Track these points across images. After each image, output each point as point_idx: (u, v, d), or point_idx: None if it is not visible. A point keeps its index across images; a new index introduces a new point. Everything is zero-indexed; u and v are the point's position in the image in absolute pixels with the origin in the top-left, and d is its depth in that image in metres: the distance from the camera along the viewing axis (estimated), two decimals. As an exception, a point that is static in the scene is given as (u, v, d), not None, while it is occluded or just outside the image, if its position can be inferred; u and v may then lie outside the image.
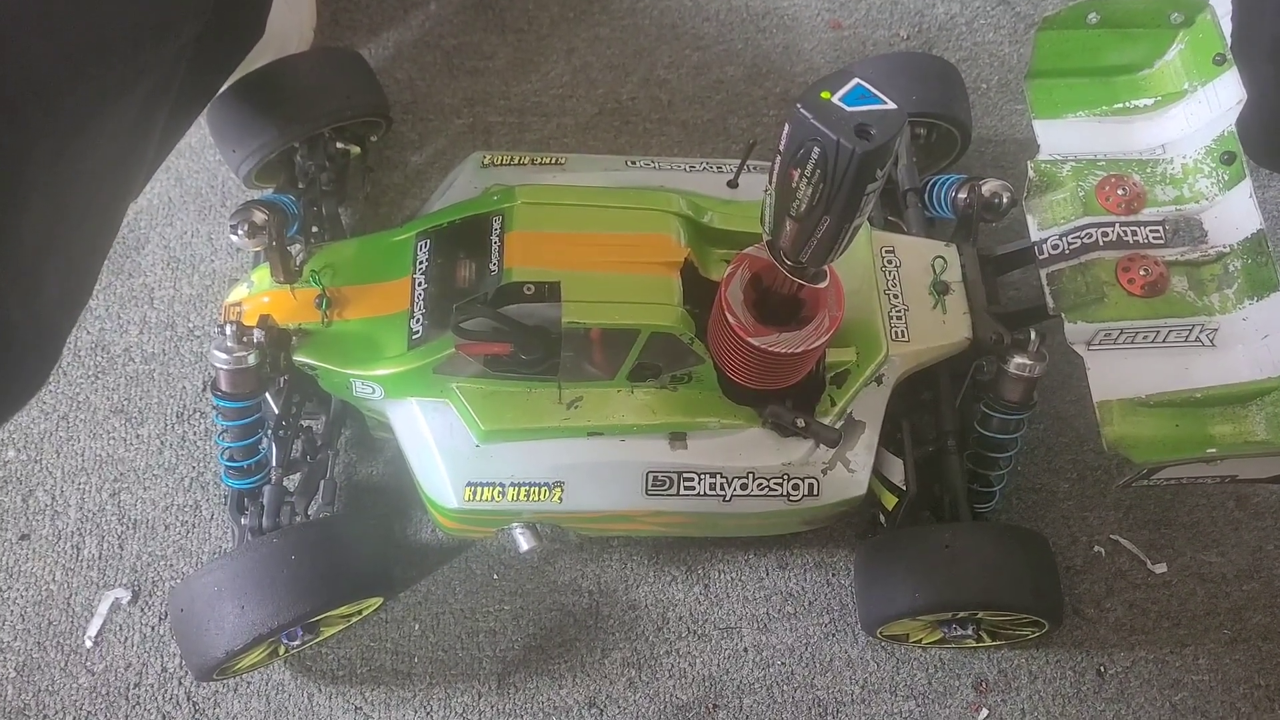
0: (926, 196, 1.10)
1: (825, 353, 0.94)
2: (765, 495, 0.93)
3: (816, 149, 0.62)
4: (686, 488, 0.93)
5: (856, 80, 0.63)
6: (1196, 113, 0.96)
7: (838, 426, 0.93)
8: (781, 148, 0.65)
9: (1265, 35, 1.12)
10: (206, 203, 1.24)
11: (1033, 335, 0.96)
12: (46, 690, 1.02)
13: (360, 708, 1.02)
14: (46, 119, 0.67)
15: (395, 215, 1.25)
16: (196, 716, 1.01)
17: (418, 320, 0.92)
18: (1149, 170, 0.97)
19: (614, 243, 0.91)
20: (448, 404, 0.93)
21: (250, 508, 0.97)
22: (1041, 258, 0.96)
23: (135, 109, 0.78)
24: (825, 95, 0.63)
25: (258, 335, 0.92)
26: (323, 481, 1.01)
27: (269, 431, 0.98)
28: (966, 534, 0.97)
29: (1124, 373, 0.91)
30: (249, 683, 1.03)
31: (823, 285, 0.80)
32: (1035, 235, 0.97)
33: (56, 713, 1.01)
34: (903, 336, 0.97)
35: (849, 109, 0.62)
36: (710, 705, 1.04)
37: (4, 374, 0.71)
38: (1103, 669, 1.08)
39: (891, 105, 0.63)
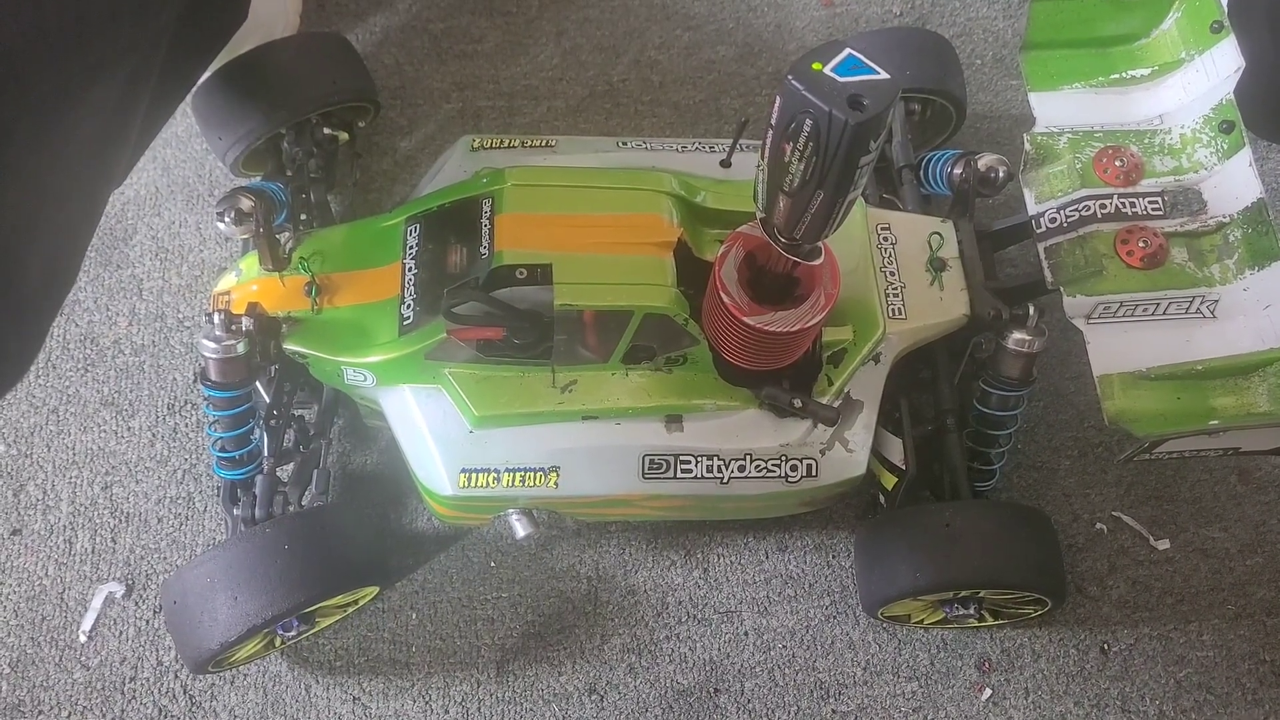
0: (922, 173, 1.09)
1: (822, 332, 0.93)
2: (763, 477, 0.93)
3: (809, 121, 0.61)
4: (683, 471, 0.92)
5: (849, 51, 0.62)
6: (1194, 82, 0.95)
7: (835, 406, 0.93)
8: (773, 121, 0.64)
9: (1263, 2, 1.11)
10: (194, 192, 1.23)
11: (1031, 310, 0.95)
12: (41, 686, 1.01)
13: (358, 698, 1.02)
14: (24, 98, 0.66)
15: (385, 201, 1.24)
16: (193, 710, 1.00)
17: (408, 306, 0.91)
18: (1147, 141, 0.96)
19: (606, 224, 0.90)
20: (440, 390, 0.92)
21: (243, 498, 0.96)
22: (1039, 231, 0.95)
23: (116, 90, 0.77)
24: (817, 67, 0.61)
25: (246, 323, 0.91)
26: (316, 471, 1.00)
27: (260, 421, 0.97)
28: (967, 512, 0.96)
29: (1124, 346, 0.90)
30: (245, 675, 1.02)
31: (818, 263, 0.79)
32: (1033, 209, 0.96)
33: (52, 708, 1.00)
34: (900, 314, 0.96)
35: (841, 80, 0.61)
36: (712, 689, 1.04)
37: None
38: (1106, 646, 1.07)
39: (884, 75, 0.61)
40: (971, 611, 0.99)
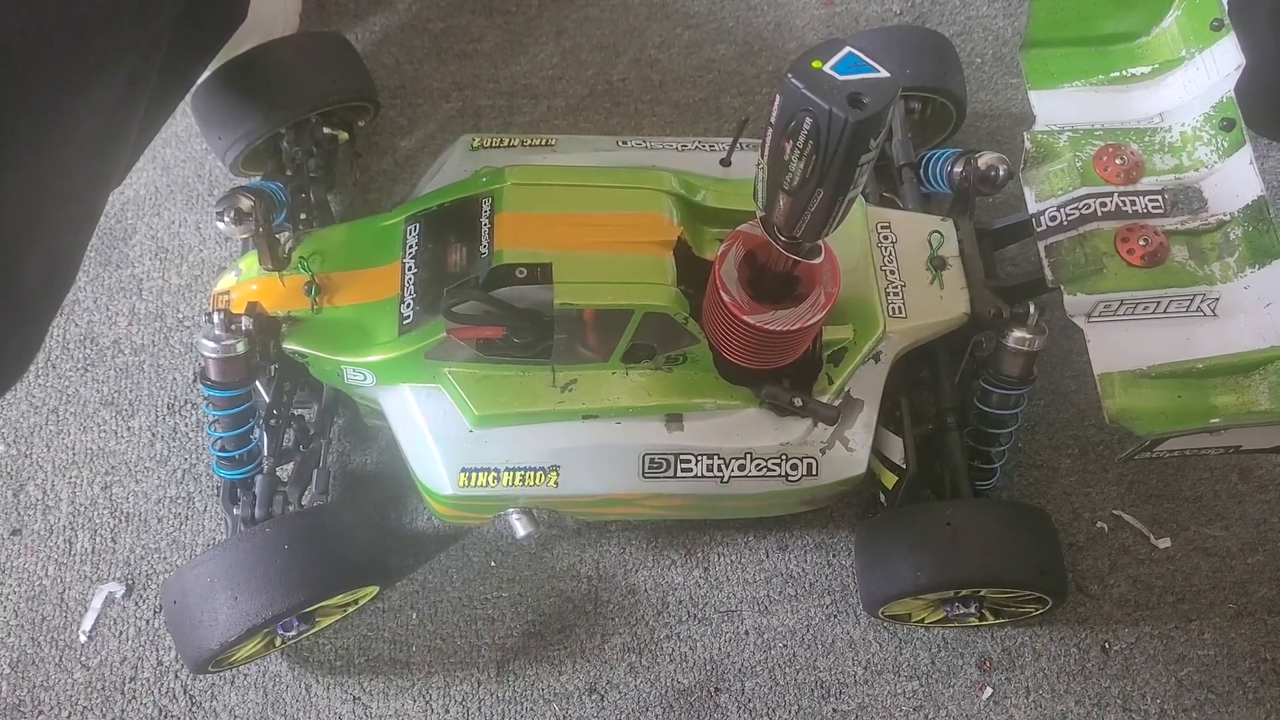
0: (922, 171, 1.09)
1: (822, 330, 0.93)
2: (763, 476, 0.92)
3: (808, 120, 0.61)
4: (684, 470, 0.92)
5: (848, 49, 0.62)
6: (1195, 80, 0.95)
7: (836, 405, 0.92)
8: (773, 120, 0.64)
9: (1265, 1, 1.10)
10: (194, 192, 1.23)
11: (1032, 309, 0.95)
12: (41, 686, 1.01)
13: (359, 698, 1.02)
14: (23, 97, 0.66)
15: (385, 201, 1.24)
16: (193, 710, 1.00)
17: (408, 305, 0.91)
18: (1147, 139, 0.96)
19: (606, 223, 0.90)
20: (440, 389, 0.92)
21: (243, 498, 0.96)
22: (1039, 230, 0.95)
23: (116, 90, 0.77)
24: (816, 65, 0.61)
25: (246, 323, 0.91)
26: (316, 470, 1.00)
27: (260, 421, 0.97)
28: (968, 511, 0.96)
29: (1125, 344, 0.90)
30: (246, 675, 1.02)
31: (818, 261, 0.79)
32: (1033, 207, 0.96)
33: (52, 708, 1.00)
34: (900, 313, 0.96)
35: (841, 78, 0.61)
36: (712, 689, 1.03)
37: None
38: (1107, 645, 1.07)
39: (884, 74, 0.61)
40: (972, 610, 0.98)
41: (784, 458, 0.92)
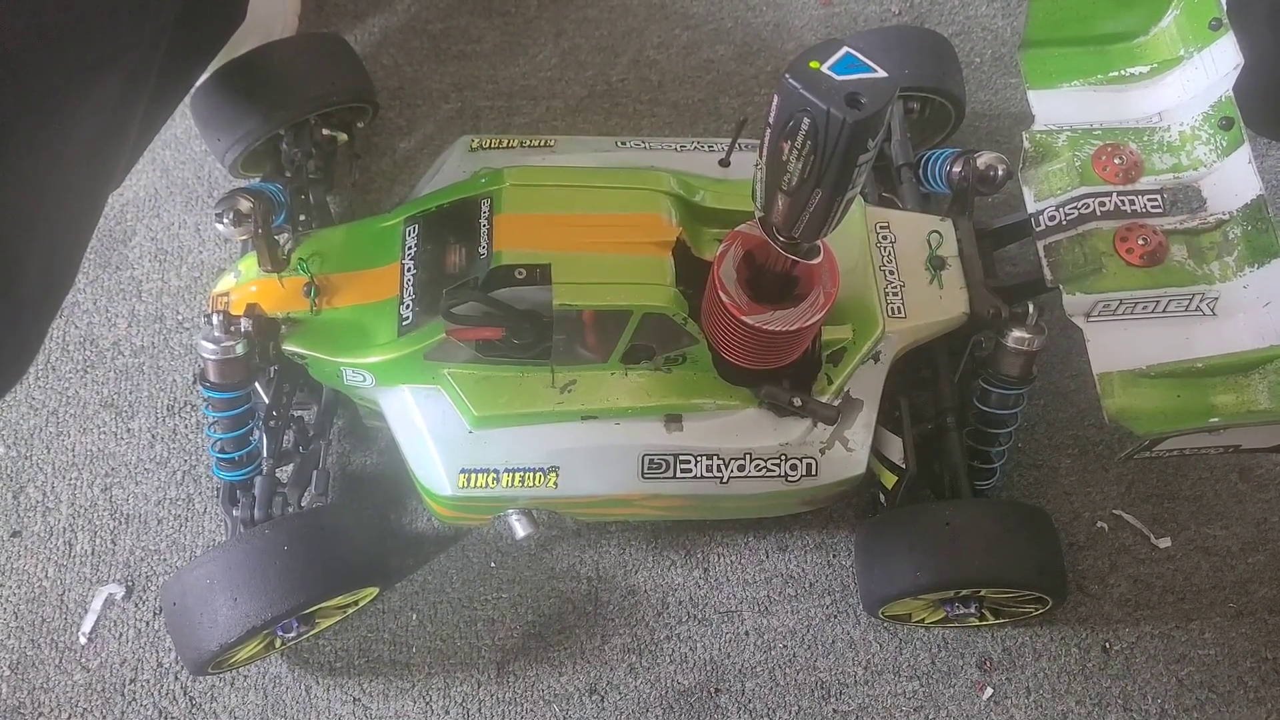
0: (921, 171, 1.09)
1: (821, 331, 0.93)
2: (763, 476, 0.92)
3: (806, 120, 0.61)
4: (683, 470, 0.92)
5: (846, 49, 0.62)
6: (1193, 79, 0.95)
7: (835, 405, 0.92)
8: (771, 120, 0.64)
9: (1263, 0, 1.10)
10: (193, 193, 1.23)
11: (1031, 308, 0.95)
12: (41, 688, 1.01)
13: (359, 699, 1.02)
14: (23, 97, 0.66)
15: (384, 202, 1.24)
16: (193, 711, 1.00)
17: (408, 306, 0.91)
18: (1146, 138, 0.96)
19: (605, 223, 0.90)
20: (440, 390, 0.92)
21: (242, 499, 0.96)
22: (1038, 230, 0.95)
23: (115, 90, 0.77)
24: (814, 65, 0.61)
25: (245, 324, 0.91)
26: (315, 472, 1.00)
27: (260, 422, 0.97)
28: (967, 511, 0.96)
29: (1124, 344, 0.90)
30: (246, 676, 1.02)
31: (816, 261, 0.79)
32: (1032, 207, 0.96)
33: (52, 710, 1.00)
34: (899, 313, 0.96)
35: (839, 78, 0.61)
36: (712, 689, 1.03)
37: None
38: (1108, 645, 1.07)
39: (882, 73, 0.61)
40: (972, 610, 0.98)
41: (783, 458, 0.92)
